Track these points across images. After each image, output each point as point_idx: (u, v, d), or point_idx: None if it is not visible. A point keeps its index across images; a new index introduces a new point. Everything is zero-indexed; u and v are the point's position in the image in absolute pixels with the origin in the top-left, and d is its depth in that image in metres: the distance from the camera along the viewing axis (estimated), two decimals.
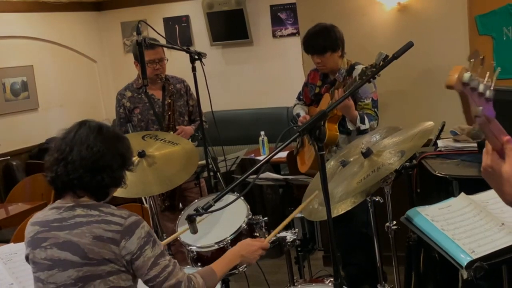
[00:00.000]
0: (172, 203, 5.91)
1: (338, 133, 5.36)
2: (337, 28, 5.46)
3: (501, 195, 2.11)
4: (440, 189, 4.64)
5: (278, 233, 4.01)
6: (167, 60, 5.96)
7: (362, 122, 5.27)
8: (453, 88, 1.91)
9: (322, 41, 5.35)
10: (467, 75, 1.91)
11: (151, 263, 3.00)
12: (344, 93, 5.02)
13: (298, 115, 5.78)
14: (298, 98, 6.00)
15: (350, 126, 5.31)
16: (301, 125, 2.94)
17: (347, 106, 5.14)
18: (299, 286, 4.20)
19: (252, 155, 8.30)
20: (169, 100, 5.84)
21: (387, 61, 3.48)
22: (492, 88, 1.95)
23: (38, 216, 3.09)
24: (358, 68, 5.27)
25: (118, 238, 2.93)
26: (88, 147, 2.97)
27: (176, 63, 6.53)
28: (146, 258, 2.99)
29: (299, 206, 3.95)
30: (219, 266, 3.42)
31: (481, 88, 1.92)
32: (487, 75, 1.96)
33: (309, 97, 5.81)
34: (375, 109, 5.39)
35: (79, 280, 2.92)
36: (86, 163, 2.96)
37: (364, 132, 5.28)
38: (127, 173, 4.46)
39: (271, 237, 3.80)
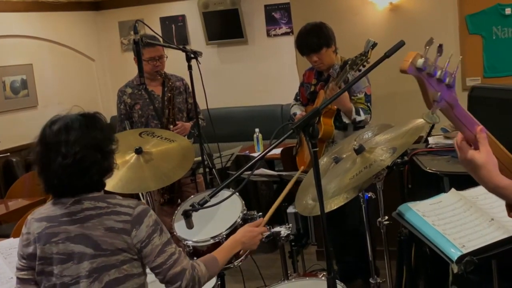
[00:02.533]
0: (172, 196, 5.92)
1: (333, 128, 5.35)
2: (327, 24, 5.46)
3: (482, 183, 2.11)
4: (431, 185, 4.64)
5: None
6: (167, 57, 5.97)
7: (358, 113, 5.26)
8: (406, 72, 1.95)
9: (316, 38, 5.35)
10: (420, 61, 1.94)
11: (159, 250, 3.03)
12: (336, 86, 5.01)
13: (294, 114, 5.77)
14: (295, 99, 6.00)
15: (345, 119, 5.30)
16: (295, 122, 2.93)
17: (341, 98, 5.11)
18: (293, 280, 4.19)
19: (247, 151, 8.30)
20: (169, 94, 5.85)
21: (379, 59, 3.45)
22: (454, 75, 1.97)
23: (42, 212, 3.06)
24: None
25: (129, 228, 2.95)
26: (67, 155, 2.91)
27: (172, 62, 6.51)
28: (154, 246, 3.01)
29: (286, 187, 3.97)
30: (221, 253, 3.45)
31: (438, 74, 1.94)
32: (447, 62, 1.99)
33: (305, 96, 5.80)
34: (368, 104, 5.38)
35: (94, 271, 2.93)
36: (71, 171, 2.93)
37: (360, 124, 5.28)
38: (124, 169, 4.47)
39: (266, 220, 3.81)
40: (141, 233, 2.98)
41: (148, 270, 3.13)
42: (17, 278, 3.11)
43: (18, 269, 3.11)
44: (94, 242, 2.93)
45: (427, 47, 1.98)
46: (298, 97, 5.96)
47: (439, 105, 1.99)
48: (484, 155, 2.07)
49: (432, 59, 1.95)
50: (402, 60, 1.94)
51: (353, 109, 5.24)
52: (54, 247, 2.97)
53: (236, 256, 3.75)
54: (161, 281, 3.11)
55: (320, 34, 5.38)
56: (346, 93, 5.15)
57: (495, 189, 2.10)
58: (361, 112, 5.27)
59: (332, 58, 5.46)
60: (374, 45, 4.62)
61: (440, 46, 1.97)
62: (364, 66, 4.72)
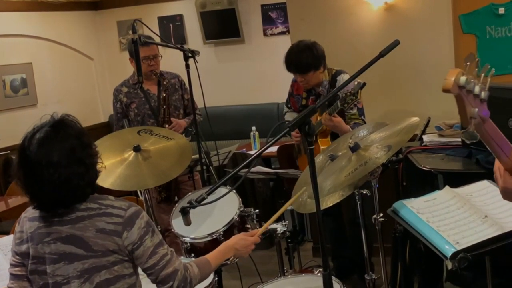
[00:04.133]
0: (169, 194, 5.91)
1: (329, 141, 5.34)
2: (318, 44, 5.38)
3: None
4: (425, 182, 4.64)
5: (268, 215, 4.01)
6: (161, 56, 5.96)
7: None
8: (450, 91, 1.87)
9: (305, 60, 5.28)
10: (463, 79, 1.86)
11: (151, 252, 3.00)
12: (329, 116, 4.98)
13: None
14: (287, 106, 5.98)
15: None
16: (291, 120, 2.92)
17: (336, 125, 5.07)
18: (289, 276, 4.18)
19: (244, 149, 8.30)
20: (164, 94, 5.84)
21: (374, 58, 3.45)
22: (486, 89, 1.93)
23: (34, 211, 3.03)
24: (340, 79, 5.25)
25: (120, 230, 2.92)
26: (53, 180, 2.83)
27: (170, 61, 6.52)
28: (146, 248, 2.99)
29: (286, 203, 3.95)
30: (214, 257, 3.43)
31: (476, 90, 1.89)
32: (482, 76, 1.93)
33: (297, 107, 5.78)
34: (362, 117, 5.36)
35: (85, 271, 2.91)
36: (60, 192, 2.87)
37: None
38: (123, 166, 4.45)
39: (261, 231, 3.80)
40: (133, 235, 2.95)
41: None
42: (11, 274, 3.08)
43: (12, 265, 3.08)
44: (85, 243, 2.90)
45: (468, 63, 1.92)
46: (289, 105, 5.94)
47: (476, 121, 1.93)
48: None
49: (470, 76, 1.90)
50: (444, 79, 1.87)
51: (350, 130, 5.23)
52: (46, 247, 2.94)
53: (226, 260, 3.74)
54: (153, 282, 3.09)
55: (309, 56, 5.29)
56: (340, 119, 5.08)
57: None
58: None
59: (319, 78, 5.41)
60: (363, 86, 4.60)
61: (478, 60, 1.92)
62: (355, 105, 4.72)
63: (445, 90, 1.88)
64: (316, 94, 5.53)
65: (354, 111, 5.31)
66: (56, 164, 2.83)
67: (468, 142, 1.94)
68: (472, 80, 1.89)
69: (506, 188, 2.10)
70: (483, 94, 1.91)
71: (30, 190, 2.92)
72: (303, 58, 5.30)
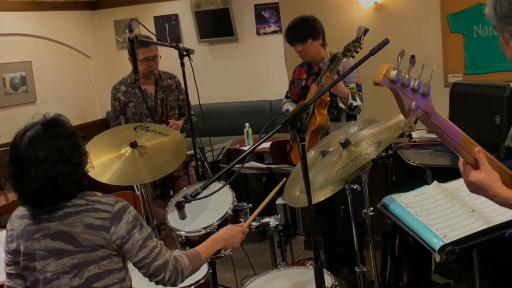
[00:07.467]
0: (164, 191, 5.90)
1: (328, 118, 5.35)
2: (318, 19, 5.52)
3: (491, 200, 2.12)
4: (414, 178, 4.64)
5: (256, 217, 4.02)
6: (160, 56, 5.94)
7: (354, 98, 5.28)
8: (380, 85, 1.91)
9: (303, 29, 5.42)
10: (393, 73, 1.90)
11: (140, 245, 3.00)
12: (330, 74, 5.02)
13: (287, 110, 5.77)
14: (286, 97, 5.99)
15: (341, 105, 5.31)
16: (284, 117, 2.91)
17: (337, 85, 5.12)
18: (281, 269, 4.18)
19: (237, 145, 8.29)
20: (162, 95, 5.83)
21: (365, 57, 3.45)
22: (428, 84, 1.95)
23: (23, 209, 3.02)
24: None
25: (108, 225, 2.92)
26: (38, 177, 2.82)
27: (166, 59, 6.49)
28: (134, 241, 2.98)
29: (269, 195, 3.97)
30: (204, 249, 3.42)
31: (412, 84, 1.92)
32: (421, 72, 1.96)
33: (296, 93, 5.79)
34: (360, 93, 5.40)
35: (74, 267, 2.90)
36: (46, 190, 2.86)
37: (355, 111, 5.30)
38: (120, 162, 4.44)
39: (249, 221, 3.81)
40: (121, 230, 2.94)
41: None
42: (6, 273, 3.08)
43: (6, 264, 3.08)
44: (74, 239, 2.89)
45: (399, 59, 1.96)
46: (289, 95, 5.95)
47: (415, 114, 1.97)
48: (485, 174, 2.09)
49: (405, 70, 1.93)
50: (376, 73, 1.92)
51: (350, 94, 5.25)
52: (36, 244, 2.93)
53: (218, 252, 3.74)
54: (145, 275, 3.09)
55: (307, 26, 5.46)
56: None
57: (502, 202, 2.12)
58: (356, 98, 5.30)
59: (318, 51, 5.48)
60: (366, 31, 4.62)
61: (412, 57, 1.95)
62: (357, 52, 4.73)
63: (375, 84, 1.93)
64: (315, 73, 5.59)
65: (353, 85, 5.38)
66: (43, 161, 2.83)
67: (406, 133, 2.00)
68: (406, 75, 1.92)
69: (468, 182, 2.12)
70: (422, 89, 1.95)
71: (19, 187, 2.92)
72: (301, 27, 5.46)
